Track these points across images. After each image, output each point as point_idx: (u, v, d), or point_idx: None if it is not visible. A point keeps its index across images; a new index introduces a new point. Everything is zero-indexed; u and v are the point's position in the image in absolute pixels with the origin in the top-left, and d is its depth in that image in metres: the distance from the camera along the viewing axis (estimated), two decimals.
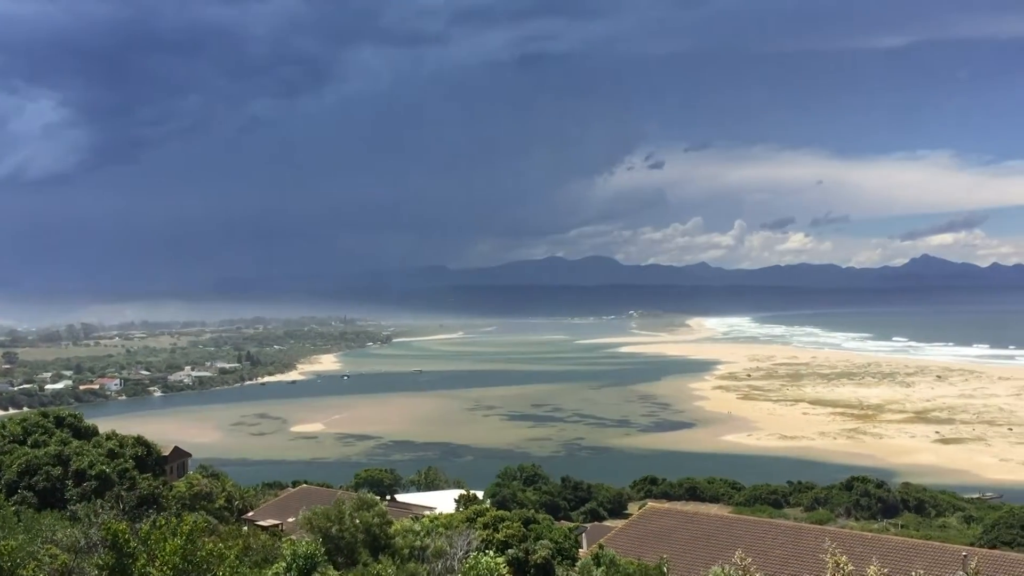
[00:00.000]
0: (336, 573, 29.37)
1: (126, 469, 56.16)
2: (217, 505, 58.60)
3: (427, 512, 56.67)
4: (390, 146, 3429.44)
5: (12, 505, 43.48)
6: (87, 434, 62.09)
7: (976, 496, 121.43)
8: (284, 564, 26.70)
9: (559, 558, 41.68)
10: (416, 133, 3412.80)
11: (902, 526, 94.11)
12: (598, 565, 34.41)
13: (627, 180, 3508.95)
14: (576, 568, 36.92)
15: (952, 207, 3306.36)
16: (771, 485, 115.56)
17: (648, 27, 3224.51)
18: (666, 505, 73.94)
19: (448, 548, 33.80)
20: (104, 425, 70.57)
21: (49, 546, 29.70)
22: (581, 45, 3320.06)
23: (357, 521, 34.44)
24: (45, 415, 64.03)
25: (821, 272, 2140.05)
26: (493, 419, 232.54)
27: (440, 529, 37.10)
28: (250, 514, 62.09)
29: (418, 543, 34.27)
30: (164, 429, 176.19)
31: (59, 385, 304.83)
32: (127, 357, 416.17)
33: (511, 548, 40.20)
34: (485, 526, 42.88)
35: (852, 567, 19.21)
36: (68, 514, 43.57)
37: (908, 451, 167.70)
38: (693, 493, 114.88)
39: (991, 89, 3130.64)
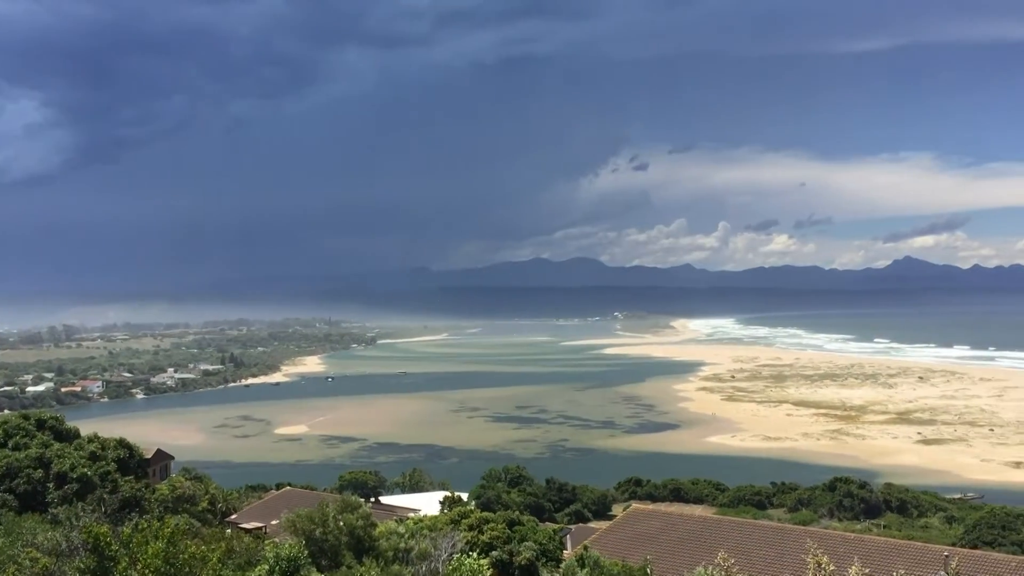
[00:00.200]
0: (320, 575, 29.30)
1: (108, 472, 55.80)
2: (200, 508, 58.36)
3: (411, 514, 56.62)
4: (374, 148, 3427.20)
5: None
6: (68, 436, 61.64)
7: (958, 496, 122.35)
8: (267, 567, 26.62)
9: (543, 560, 41.68)
10: (400, 135, 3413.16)
11: (884, 526, 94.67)
12: (582, 566, 34.46)
13: (612, 182, 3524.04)
14: (560, 570, 36.95)
15: (934, 209, 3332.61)
16: (755, 486, 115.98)
17: (632, 29, 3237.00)
18: (650, 506, 74.06)
19: (432, 550, 33.78)
20: (86, 427, 70.11)
21: (30, 549, 29.50)
22: (565, 47, 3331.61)
23: (341, 523, 34.34)
24: (26, 417, 63.49)
25: (804, 274, 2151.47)
26: (478, 421, 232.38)
27: (424, 531, 37.08)
28: (233, 517, 61.77)
29: (402, 545, 34.24)
30: (147, 431, 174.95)
31: (40, 387, 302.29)
32: (109, 359, 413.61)
33: (495, 550, 40.20)
34: (470, 528, 42.87)
35: (834, 567, 19.34)
36: (49, 517, 43.34)
37: (890, 452, 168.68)
38: (677, 494, 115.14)
39: (972, 92, 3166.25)
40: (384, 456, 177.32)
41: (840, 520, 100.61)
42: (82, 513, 40.01)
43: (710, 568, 23.11)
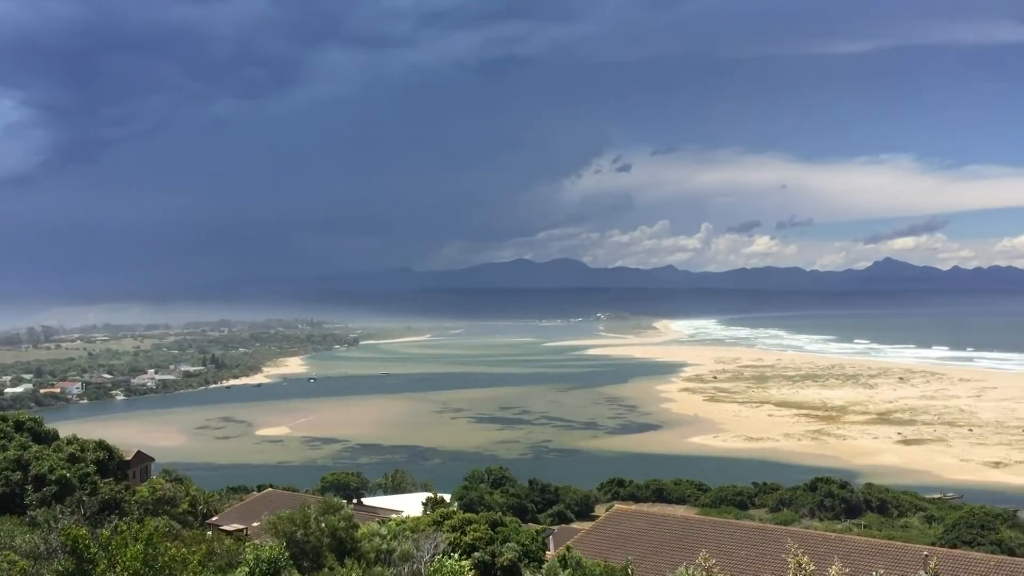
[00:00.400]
0: None
1: (87, 474, 55.39)
2: (181, 510, 57.96)
3: (394, 515, 56.54)
4: (356, 148, 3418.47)
5: None
6: (47, 438, 61.18)
7: (937, 496, 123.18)
8: (247, 569, 26.46)
9: (526, 560, 41.66)
10: (383, 135, 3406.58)
11: (865, 526, 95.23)
12: (565, 567, 34.45)
13: (594, 183, 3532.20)
14: (543, 570, 36.93)
15: (914, 211, 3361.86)
16: (737, 486, 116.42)
17: (615, 31, 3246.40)
18: (633, 507, 74.23)
19: (415, 551, 33.68)
20: (65, 429, 69.60)
21: (8, 552, 29.25)
22: (548, 49, 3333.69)
23: (323, 525, 34.18)
24: (4, 419, 62.92)
25: (786, 275, 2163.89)
26: (461, 422, 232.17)
27: (407, 532, 36.99)
28: (214, 519, 61.45)
29: (384, 547, 34.12)
30: (126, 433, 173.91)
31: (19, 389, 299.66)
32: (89, 360, 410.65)
33: (478, 551, 40.17)
34: (452, 529, 42.83)
35: (814, 567, 19.43)
36: (27, 520, 42.94)
37: (871, 452, 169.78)
38: (660, 495, 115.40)
39: (953, 94, 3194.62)
40: (366, 457, 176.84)
41: (821, 520, 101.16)
42: (61, 515, 39.66)
43: (691, 568, 23.18)
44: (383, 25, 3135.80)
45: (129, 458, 71.13)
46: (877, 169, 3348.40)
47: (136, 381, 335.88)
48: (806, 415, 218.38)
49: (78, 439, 61.99)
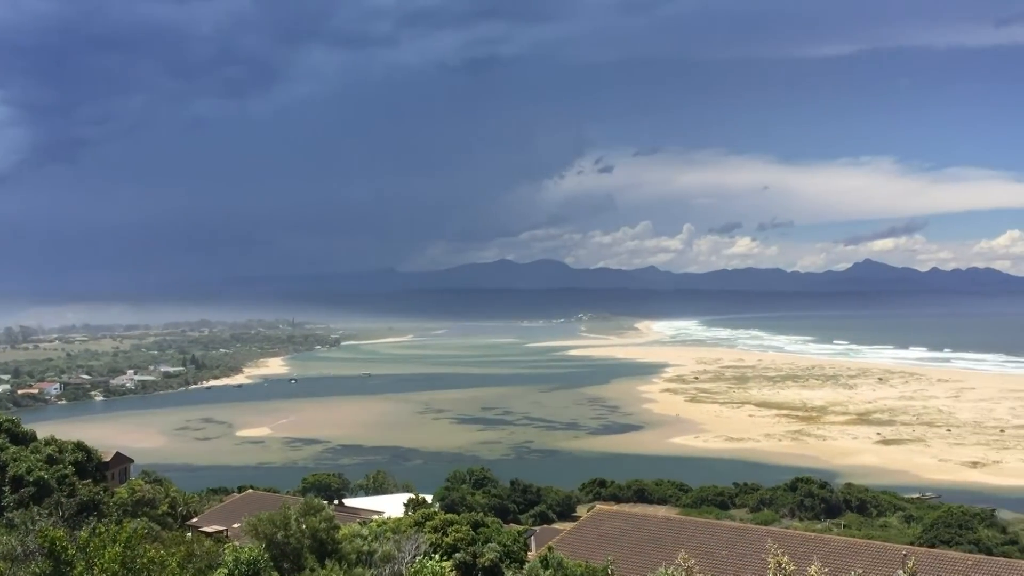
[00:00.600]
0: None
1: (65, 475, 54.98)
2: (160, 511, 57.63)
3: (375, 516, 56.38)
4: (339, 148, 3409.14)
5: None
6: (25, 439, 60.66)
7: (916, 496, 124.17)
8: (226, 571, 26.30)
9: (507, 561, 41.64)
10: (365, 135, 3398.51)
11: (844, 526, 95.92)
12: (546, 568, 34.47)
13: (577, 184, 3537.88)
14: (524, 571, 36.93)
15: (894, 213, 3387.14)
16: (718, 486, 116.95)
17: (597, 33, 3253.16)
18: (614, 507, 74.35)
19: (396, 552, 33.59)
20: (43, 430, 69.06)
21: None
22: (530, 49, 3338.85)
23: (303, 526, 34.00)
24: None
25: (767, 276, 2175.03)
26: (443, 422, 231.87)
27: (388, 533, 36.87)
28: (194, 520, 61.07)
29: (366, 548, 34.00)
30: (105, 434, 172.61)
31: None
32: (67, 361, 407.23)
33: (459, 552, 40.12)
34: (434, 530, 42.73)
35: (794, 567, 19.52)
36: (4, 521, 42.47)
37: (851, 452, 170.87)
38: (641, 495, 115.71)
39: (932, 97, 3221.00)
40: (348, 458, 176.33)
41: (801, 520, 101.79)
42: (38, 517, 39.27)
43: (671, 568, 23.23)
44: (365, 25, 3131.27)
45: (108, 459, 70.66)
46: (857, 171, 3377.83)
47: (115, 382, 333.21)
48: (786, 415, 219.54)
49: (56, 440, 61.54)
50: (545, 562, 35.11)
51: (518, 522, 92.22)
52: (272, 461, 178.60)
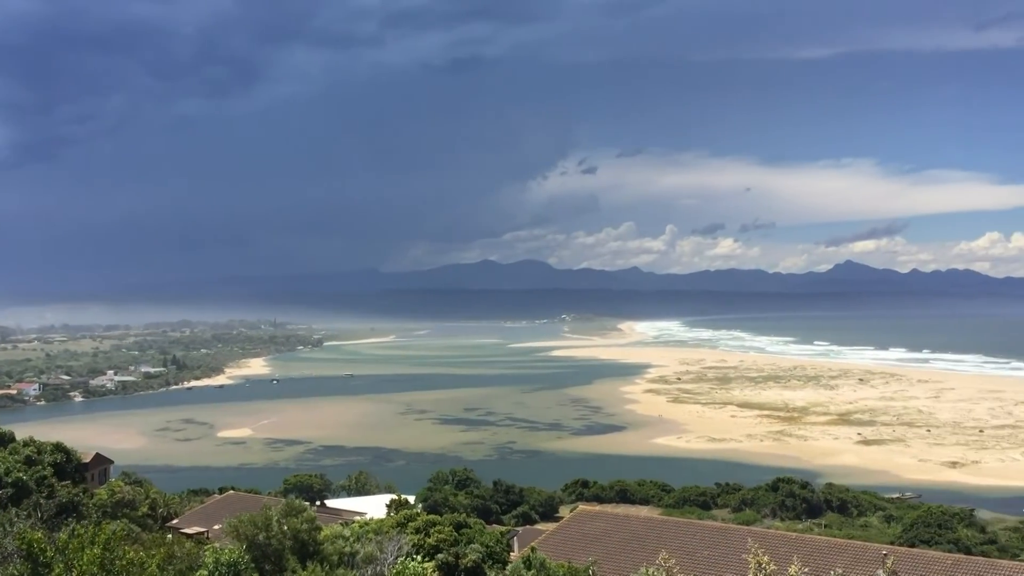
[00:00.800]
0: None
1: (44, 476, 54.54)
2: (140, 513, 57.26)
3: (357, 517, 56.23)
4: (322, 148, 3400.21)
5: None
6: (3, 440, 60.20)
7: (896, 496, 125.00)
8: (206, 573, 26.15)
9: (490, 562, 41.62)
10: (348, 135, 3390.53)
11: (825, 526, 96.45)
12: (529, 568, 34.48)
13: (560, 185, 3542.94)
14: (507, 572, 36.93)
15: (874, 215, 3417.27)
16: (700, 487, 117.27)
17: (581, 34, 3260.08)
18: (597, 508, 74.40)
19: (378, 553, 33.54)
20: (21, 431, 68.49)
21: None
22: (514, 50, 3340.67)
23: (285, 528, 33.87)
24: None
25: (749, 277, 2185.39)
26: (425, 423, 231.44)
27: (370, 534, 36.81)
28: (175, 522, 60.69)
29: (348, 549, 33.91)
30: (85, 435, 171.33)
31: None
32: (46, 361, 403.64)
33: (442, 552, 40.06)
34: (416, 531, 42.66)
35: (775, 566, 19.61)
36: None
37: (832, 452, 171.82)
38: (624, 495, 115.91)
39: (913, 100, 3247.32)
40: (330, 459, 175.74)
41: (782, 520, 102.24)
42: (16, 519, 38.91)
43: (652, 568, 23.29)
44: (349, 25, 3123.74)
45: (87, 460, 70.17)
46: (839, 173, 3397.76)
47: (95, 382, 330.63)
48: (768, 416, 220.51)
49: (35, 441, 61.10)
50: (528, 563, 35.12)
51: (501, 523, 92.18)
52: (253, 462, 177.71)
